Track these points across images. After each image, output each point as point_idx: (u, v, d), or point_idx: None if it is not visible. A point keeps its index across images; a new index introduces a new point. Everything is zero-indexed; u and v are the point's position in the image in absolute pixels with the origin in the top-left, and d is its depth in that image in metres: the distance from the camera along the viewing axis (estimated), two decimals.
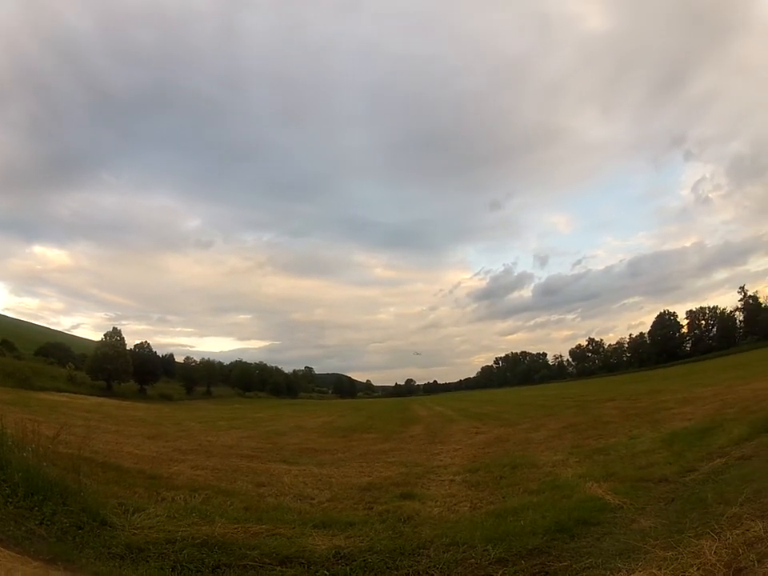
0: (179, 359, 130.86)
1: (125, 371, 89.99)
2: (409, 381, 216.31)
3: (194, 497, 9.62)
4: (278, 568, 6.15)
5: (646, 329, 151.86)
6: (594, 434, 17.15)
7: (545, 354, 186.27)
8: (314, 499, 10.29)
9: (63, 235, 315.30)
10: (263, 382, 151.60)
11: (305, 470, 13.83)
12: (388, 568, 6.20)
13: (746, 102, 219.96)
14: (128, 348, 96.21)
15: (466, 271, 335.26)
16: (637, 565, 5.42)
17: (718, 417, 15.49)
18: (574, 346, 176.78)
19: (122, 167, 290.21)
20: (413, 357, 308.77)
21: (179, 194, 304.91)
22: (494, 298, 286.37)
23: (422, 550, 6.62)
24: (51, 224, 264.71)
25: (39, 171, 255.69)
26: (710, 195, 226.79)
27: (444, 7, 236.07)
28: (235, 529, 7.40)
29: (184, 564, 6.10)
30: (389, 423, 33.03)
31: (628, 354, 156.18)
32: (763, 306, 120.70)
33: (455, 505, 9.47)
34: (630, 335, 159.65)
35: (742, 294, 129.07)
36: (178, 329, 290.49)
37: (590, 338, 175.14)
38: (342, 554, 6.53)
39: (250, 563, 6.23)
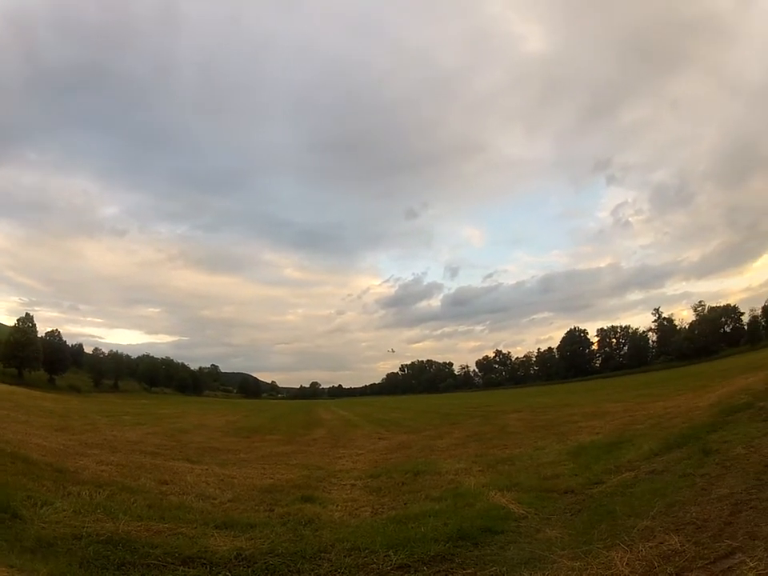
0: (88, 350, 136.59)
1: (36, 359, 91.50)
2: (314, 384, 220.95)
3: (99, 492, 9.81)
4: (181, 568, 6.25)
5: (554, 344, 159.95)
6: (499, 444, 17.45)
7: (451, 364, 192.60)
8: (215, 499, 10.42)
9: None
10: (169, 377, 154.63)
11: (207, 469, 14.08)
12: (290, 571, 6.31)
13: (677, 135, 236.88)
14: (39, 336, 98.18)
15: (376, 277, 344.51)
16: (543, 574, 5.42)
17: (628, 432, 15.92)
18: (481, 357, 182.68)
19: (45, 144, 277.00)
20: (318, 360, 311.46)
21: (100, 177, 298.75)
22: (402, 305, 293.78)
23: (323, 554, 6.76)
24: None
25: None
26: (630, 219, 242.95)
27: (382, 14, 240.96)
28: (138, 527, 7.64)
29: (91, 561, 6.19)
30: (292, 426, 34.14)
31: (536, 368, 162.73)
32: (678, 328, 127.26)
33: (356, 509, 9.65)
34: (539, 349, 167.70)
35: (657, 315, 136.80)
36: (89, 318, 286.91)
37: (497, 350, 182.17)
38: (243, 556, 6.68)
39: (153, 562, 6.34)
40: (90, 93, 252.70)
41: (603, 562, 5.41)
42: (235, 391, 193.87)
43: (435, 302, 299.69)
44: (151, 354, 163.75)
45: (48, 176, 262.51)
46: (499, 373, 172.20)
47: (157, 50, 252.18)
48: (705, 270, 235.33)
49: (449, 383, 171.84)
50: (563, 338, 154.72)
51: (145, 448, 18.31)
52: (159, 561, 6.33)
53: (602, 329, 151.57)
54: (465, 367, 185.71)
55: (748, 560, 4.95)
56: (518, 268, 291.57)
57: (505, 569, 5.82)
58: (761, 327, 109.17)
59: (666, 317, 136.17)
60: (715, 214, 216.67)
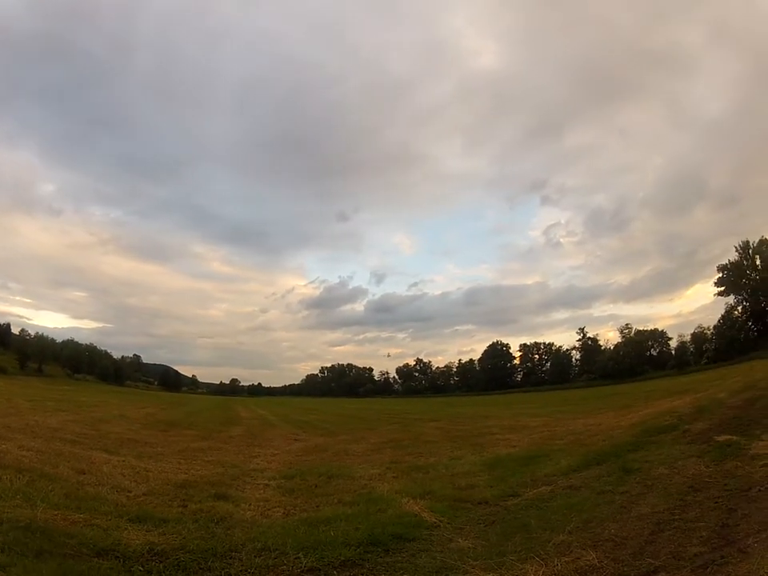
0: (15, 331, 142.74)
1: None
2: (234, 381, 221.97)
3: (20, 478, 9.95)
4: (95, 560, 6.28)
5: (476, 356, 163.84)
6: (414, 452, 17.58)
7: (371, 369, 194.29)
8: (130, 492, 10.52)
9: None
10: (92, 365, 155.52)
11: (124, 461, 14.17)
12: (201, 569, 6.36)
13: (618, 163, 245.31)
14: None
15: (302, 278, 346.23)
16: None
17: (546, 446, 16.31)
18: (401, 365, 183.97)
19: None
20: (239, 357, 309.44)
21: (43, 153, 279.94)
22: (325, 307, 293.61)
23: (233, 553, 6.85)
24: None
25: None
26: (561, 240, 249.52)
27: (340, 15, 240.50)
28: (56, 515, 7.78)
29: (11, 547, 6.16)
30: (210, 421, 34.62)
31: (456, 378, 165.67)
32: (603, 348, 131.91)
33: (268, 510, 9.75)
34: (460, 360, 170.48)
35: (582, 334, 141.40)
36: (18, 298, 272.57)
37: (418, 359, 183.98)
38: (155, 551, 6.75)
39: (69, 552, 6.37)
40: (47, 65, 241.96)
41: (517, 574, 5.50)
42: (156, 383, 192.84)
43: (359, 307, 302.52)
44: (76, 340, 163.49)
45: None
46: (419, 381, 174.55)
47: (118, 28, 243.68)
48: (634, 294, 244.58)
49: (368, 388, 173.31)
50: (485, 350, 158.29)
51: (65, 435, 18.47)
52: (75, 551, 6.39)
53: (524, 344, 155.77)
54: (385, 373, 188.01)
55: None
56: (445, 279, 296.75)
57: None
58: (689, 353, 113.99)
59: (591, 336, 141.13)
60: (650, 240, 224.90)
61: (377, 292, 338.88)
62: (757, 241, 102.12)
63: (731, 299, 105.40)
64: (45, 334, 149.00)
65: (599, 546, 6.23)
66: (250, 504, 10.07)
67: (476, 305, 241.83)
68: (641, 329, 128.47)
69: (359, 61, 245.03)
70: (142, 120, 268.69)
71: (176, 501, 10.02)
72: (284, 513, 9.51)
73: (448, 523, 8.27)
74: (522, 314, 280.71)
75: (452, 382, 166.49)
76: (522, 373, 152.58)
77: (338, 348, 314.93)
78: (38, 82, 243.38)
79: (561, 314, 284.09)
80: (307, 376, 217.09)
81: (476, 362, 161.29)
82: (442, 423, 31.20)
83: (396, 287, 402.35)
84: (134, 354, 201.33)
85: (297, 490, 11.58)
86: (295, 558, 6.60)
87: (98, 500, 9.30)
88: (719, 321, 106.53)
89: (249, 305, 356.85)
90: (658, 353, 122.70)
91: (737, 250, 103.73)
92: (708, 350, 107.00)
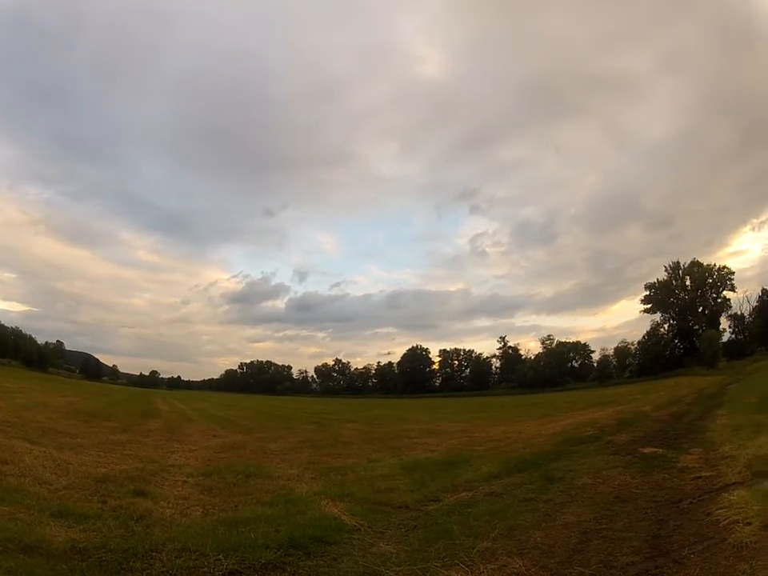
0: None
1: None
2: (153, 372, 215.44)
3: None
4: (21, 556, 6.23)
5: (395, 359, 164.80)
6: (332, 453, 17.62)
7: (290, 367, 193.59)
8: (51, 485, 10.51)
9: None
10: (17, 349, 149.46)
11: (45, 451, 14.11)
12: (122, 569, 6.30)
13: (554, 178, 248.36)
14: None
15: (225, 271, 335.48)
16: None
17: (466, 452, 16.53)
18: (320, 364, 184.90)
19: None
20: (159, 348, 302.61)
21: None
22: (247, 303, 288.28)
23: (154, 553, 6.77)
24: None
25: None
26: (487, 249, 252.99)
27: (286, 11, 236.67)
28: None
29: None
30: (130, 414, 34.55)
31: (374, 380, 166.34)
32: (524, 357, 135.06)
33: (187, 508, 9.72)
34: (379, 363, 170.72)
35: (503, 343, 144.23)
36: None
37: (337, 359, 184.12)
38: (78, 548, 6.74)
39: None
40: None
41: None
42: (78, 371, 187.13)
43: (280, 304, 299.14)
44: (2, 322, 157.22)
45: None
46: (337, 381, 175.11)
47: (66, 3, 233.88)
48: (558, 306, 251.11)
49: (287, 386, 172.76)
50: (405, 354, 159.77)
51: None
52: (2, 546, 6.36)
53: (444, 350, 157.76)
54: (303, 372, 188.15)
55: None
56: (368, 280, 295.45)
57: None
58: (611, 366, 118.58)
59: (512, 345, 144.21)
60: (578, 255, 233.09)
61: (299, 290, 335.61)
62: (688, 262, 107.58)
63: (657, 316, 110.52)
64: None
65: (525, 554, 6.31)
66: (169, 502, 10.00)
67: (398, 308, 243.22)
68: (563, 340, 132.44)
69: (302, 58, 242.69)
70: (85, 99, 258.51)
71: (96, 496, 9.99)
72: (203, 512, 9.48)
73: (369, 527, 8.26)
74: (443, 319, 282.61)
75: (370, 383, 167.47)
76: (441, 378, 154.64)
77: (257, 344, 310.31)
78: None
79: (482, 322, 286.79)
80: (226, 371, 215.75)
81: (395, 364, 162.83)
82: (359, 425, 31.50)
83: (318, 286, 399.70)
84: (57, 341, 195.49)
85: (215, 488, 11.54)
86: (216, 560, 6.58)
87: (21, 492, 9.36)
88: (644, 337, 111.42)
89: (172, 296, 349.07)
90: (579, 365, 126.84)
91: (666, 270, 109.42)
92: (631, 365, 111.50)
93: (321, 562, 6.62)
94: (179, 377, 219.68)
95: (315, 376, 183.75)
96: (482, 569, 5.77)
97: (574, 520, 7.73)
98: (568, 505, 8.84)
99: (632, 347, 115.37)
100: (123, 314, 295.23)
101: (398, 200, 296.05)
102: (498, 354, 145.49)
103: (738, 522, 6.97)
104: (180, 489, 11.43)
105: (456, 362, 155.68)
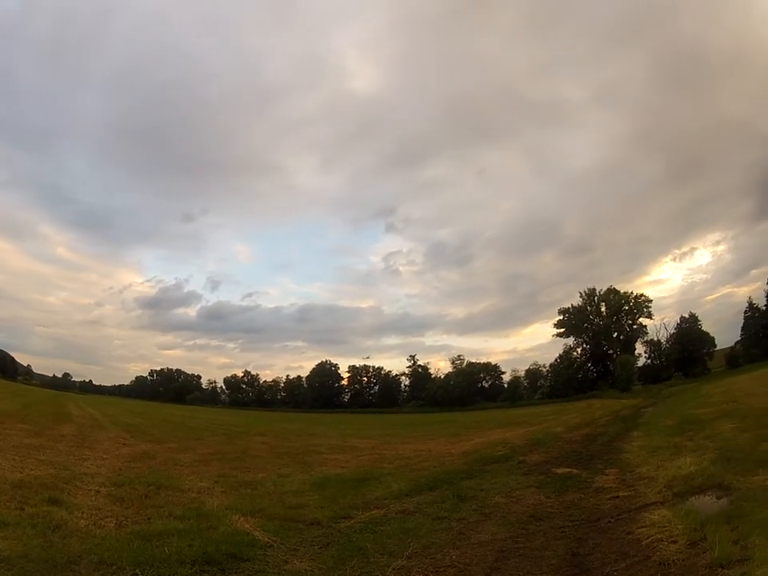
0: None
1: None
2: (66, 375, 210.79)
3: None
4: None
5: (305, 373, 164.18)
6: (242, 466, 17.45)
7: (200, 377, 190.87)
8: None
9: None
10: None
11: None
12: None
13: (469, 201, 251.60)
14: None
15: (140, 275, 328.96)
16: None
17: (376, 469, 16.64)
18: (229, 375, 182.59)
19: None
20: (72, 350, 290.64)
21: None
22: (159, 308, 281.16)
23: (72, 566, 6.77)
24: None
25: None
26: (400, 268, 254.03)
27: (227, 13, 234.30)
28: None
29: None
30: (43, 417, 34.27)
31: (283, 393, 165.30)
32: (433, 376, 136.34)
33: (101, 519, 9.64)
34: (288, 376, 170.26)
35: (412, 361, 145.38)
36: None
37: (246, 371, 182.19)
38: (2, 557, 6.75)
39: None
40: None
41: None
42: None
43: (192, 312, 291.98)
44: None
45: None
46: (246, 393, 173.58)
47: None
48: (469, 327, 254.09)
49: (196, 396, 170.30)
50: (314, 368, 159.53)
51: None
52: None
53: (353, 366, 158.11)
54: (213, 382, 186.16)
55: None
56: (280, 293, 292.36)
57: None
58: (522, 387, 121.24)
59: (422, 364, 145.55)
60: (492, 278, 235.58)
61: (211, 298, 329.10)
62: (604, 289, 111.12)
63: (570, 341, 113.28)
64: None
65: (441, 572, 6.40)
66: (83, 512, 9.88)
67: (308, 322, 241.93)
68: (473, 361, 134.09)
69: (238, 61, 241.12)
70: (27, 86, 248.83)
71: (13, 502, 9.95)
72: (116, 524, 9.35)
73: (281, 543, 8.27)
74: (353, 335, 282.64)
75: (279, 397, 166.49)
76: (349, 394, 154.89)
77: (168, 351, 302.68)
78: None
79: (393, 340, 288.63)
80: (137, 377, 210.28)
81: (304, 378, 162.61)
82: (268, 438, 31.25)
83: (230, 295, 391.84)
84: None
85: (127, 498, 11.41)
86: (133, 574, 6.56)
87: None
88: (556, 360, 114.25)
89: (87, 296, 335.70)
90: (490, 385, 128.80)
91: (581, 296, 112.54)
92: (543, 386, 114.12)
93: None
94: (91, 381, 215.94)
95: (224, 387, 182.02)
96: None
97: (489, 538, 7.88)
98: (482, 523, 9.01)
99: (544, 369, 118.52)
100: (39, 311, 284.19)
101: (315, 213, 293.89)
102: (407, 371, 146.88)
103: (662, 541, 7.22)
104: (93, 499, 11.30)
105: (365, 378, 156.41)
